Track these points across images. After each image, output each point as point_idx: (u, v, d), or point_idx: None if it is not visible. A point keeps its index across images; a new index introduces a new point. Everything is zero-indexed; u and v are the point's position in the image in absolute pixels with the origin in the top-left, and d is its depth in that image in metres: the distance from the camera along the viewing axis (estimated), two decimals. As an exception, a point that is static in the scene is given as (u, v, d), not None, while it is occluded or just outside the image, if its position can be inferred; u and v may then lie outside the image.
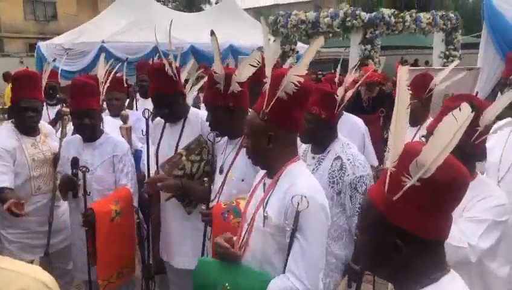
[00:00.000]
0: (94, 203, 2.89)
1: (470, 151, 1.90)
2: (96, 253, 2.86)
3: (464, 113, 1.06)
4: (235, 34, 12.72)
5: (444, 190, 1.06)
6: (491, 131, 2.01)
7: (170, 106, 2.83)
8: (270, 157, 1.86)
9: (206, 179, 2.65)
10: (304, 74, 1.81)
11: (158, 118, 3.03)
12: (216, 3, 25.20)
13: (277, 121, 1.82)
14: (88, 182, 2.94)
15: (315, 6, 26.22)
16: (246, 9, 18.34)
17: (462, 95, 2.09)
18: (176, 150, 2.87)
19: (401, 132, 1.15)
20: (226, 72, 2.44)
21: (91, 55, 10.50)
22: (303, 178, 1.80)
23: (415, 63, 15.86)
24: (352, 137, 3.32)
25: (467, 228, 1.83)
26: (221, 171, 2.50)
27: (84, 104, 2.93)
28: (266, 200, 1.83)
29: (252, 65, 2.23)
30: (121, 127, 3.70)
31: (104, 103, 4.06)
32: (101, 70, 3.62)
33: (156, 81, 2.87)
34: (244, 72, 2.35)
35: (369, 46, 9.76)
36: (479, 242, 1.81)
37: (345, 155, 2.60)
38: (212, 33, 2.42)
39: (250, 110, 2.27)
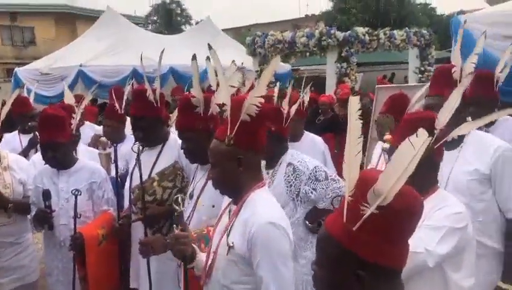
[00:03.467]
0: (82, 228, 2.90)
1: (435, 157, 2.00)
2: (86, 278, 2.87)
3: (420, 140, 1.08)
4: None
5: (402, 216, 1.07)
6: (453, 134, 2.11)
7: (146, 130, 2.87)
8: (239, 182, 1.87)
9: (177, 206, 2.67)
10: (263, 95, 1.84)
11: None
12: (196, 24, 25.41)
13: (244, 144, 1.84)
14: (64, 209, 2.95)
15: (293, 25, 26.64)
16: (225, 30, 18.49)
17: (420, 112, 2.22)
18: (150, 174, 2.90)
19: (355, 161, 1.16)
20: (205, 95, 2.49)
21: (69, 79, 10.46)
22: (264, 206, 1.81)
23: (392, 77, 16.16)
24: (313, 155, 3.43)
25: (424, 235, 1.88)
26: (191, 197, 2.52)
27: (47, 138, 2.92)
28: (229, 228, 1.85)
29: (232, 86, 2.27)
30: (99, 154, 3.70)
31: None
32: (67, 98, 3.61)
33: (136, 104, 2.94)
34: (223, 93, 2.38)
35: (345, 64, 9.94)
36: (436, 248, 1.86)
37: (295, 160, 2.80)
38: (194, 57, 2.45)
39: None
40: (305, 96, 3.97)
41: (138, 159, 2.74)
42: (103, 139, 3.94)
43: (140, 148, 2.94)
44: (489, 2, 14.65)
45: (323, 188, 2.68)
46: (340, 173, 3.75)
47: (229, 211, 1.93)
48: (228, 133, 1.85)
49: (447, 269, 1.93)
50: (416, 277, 1.91)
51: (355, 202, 1.10)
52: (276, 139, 2.82)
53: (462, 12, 11.56)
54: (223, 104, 1.91)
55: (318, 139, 4.10)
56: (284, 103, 3.04)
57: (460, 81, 2.47)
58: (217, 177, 1.92)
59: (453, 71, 2.61)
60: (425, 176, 2.03)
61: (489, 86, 3.19)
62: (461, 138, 2.50)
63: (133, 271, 3.07)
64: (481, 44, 2.95)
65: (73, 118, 3.22)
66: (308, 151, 3.42)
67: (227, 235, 1.84)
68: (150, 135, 2.91)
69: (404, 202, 1.07)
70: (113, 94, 3.97)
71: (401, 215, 1.07)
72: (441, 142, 1.96)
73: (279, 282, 1.72)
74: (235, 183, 1.88)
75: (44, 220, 2.94)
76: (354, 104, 1.24)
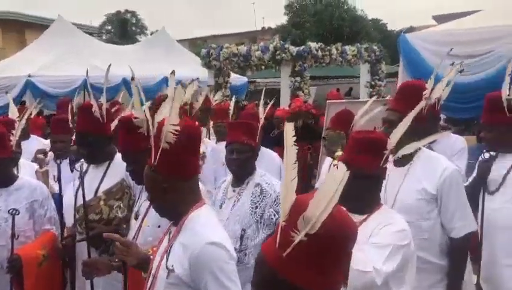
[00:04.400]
0: (20, 249, 2.76)
1: (381, 175, 2.08)
2: None
3: (340, 173, 1.08)
4: (169, 66, 12.70)
5: (330, 244, 1.06)
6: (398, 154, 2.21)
7: (90, 147, 2.81)
8: (170, 208, 1.86)
9: (124, 225, 2.61)
10: (178, 122, 1.80)
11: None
12: (151, 34, 25.18)
13: (167, 172, 1.81)
14: (2, 229, 2.82)
15: (250, 38, 26.88)
16: (180, 41, 18.41)
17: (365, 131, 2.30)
18: (96, 193, 2.82)
19: (291, 185, 1.15)
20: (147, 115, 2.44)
21: (16, 90, 10.08)
22: (204, 226, 1.80)
23: (350, 91, 16.53)
24: (269, 171, 3.45)
25: (371, 254, 1.93)
26: (136, 217, 2.47)
27: None
28: (169, 250, 1.82)
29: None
30: (36, 171, 3.56)
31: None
32: (12, 112, 3.48)
33: (81, 120, 2.88)
34: (164, 112, 2.32)
35: (298, 78, 10.10)
36: (383, 266, 1.91)
37: (263, 181, 2.81)
38: (172, 72, 2.36)
39: None
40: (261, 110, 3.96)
41: (81, 178, 2.67)
42: (40, 156, 3.80)
43: (85, 166, 2.86)
44: (436, 20, 15.38)
45: None
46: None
47: (169, 233, 1.89)
48: (152, 162, 1.82)
49: (391, 286, 1.97)
50: None
51: (287, 227, 1.09)
52: (255, 153, 2.84)
53: (411, 29, 12.04)
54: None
55: (274, 154, 4.14)
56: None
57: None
58: (151, 202, 1.92)
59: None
60: (371, 194, 2.09)
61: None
62: (411, 156, 2.56)
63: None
64: (453, 74, 3.08)
65: (13, 134, 3.09)
66: (265, 167, 3.45)
67: (167, 258, 1.81)
68: (95, 152, 2.84)
69: (333, 230, 1.05)
70: (60, 107, 3.85)
71: (329, 243, 1.06)
72: (387, 161, 2.02)
73: None
74: (167, 208, 1.87)
75: None
76: (289, 130, 1.23)
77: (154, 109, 2.44)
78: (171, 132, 1.78)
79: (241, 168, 2.81)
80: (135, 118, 2.40)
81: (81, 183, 2.66)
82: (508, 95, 2.86)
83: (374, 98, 4.55)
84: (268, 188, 2.74)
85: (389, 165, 2.61)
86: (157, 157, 1.80)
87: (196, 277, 1.73)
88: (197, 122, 2.05)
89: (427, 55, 6.02)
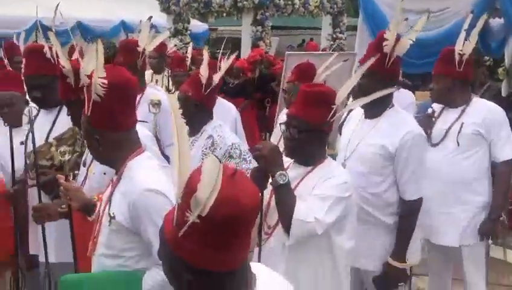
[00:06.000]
0: None
1: (327, 130, 2.12)
2: None
3: (213, 165, 1.01)
4: (127, 11, 12.21)
5: (222, 227, 1.03)
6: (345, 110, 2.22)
7: (45, 89, 2.74)
8: (106, 158, 1.89)
9: (77, 172, 2.59)
10: (105, 74, 1.78)
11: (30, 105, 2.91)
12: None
13: (99, 125, 1.82)
14: None
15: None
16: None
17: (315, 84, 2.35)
18: (47, 139, 2.78)
19: (186, 160, 1.10)
20: (73, 65, 2.38)
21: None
22: (141, 173, 1.82)
23: (301, 44, 16.42)
24: (224, 122, 3.47)
25: (313, 205, 2.02)
26: (84, 165, 2.47)
27: None
28: (110, 198, 1.85)
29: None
30: None
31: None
32: None
33: (31, 63, 2.79)
34: (89, 66, 2.09)
35: (260, 28, 9.96)
36: (324, 216, 2.00)
37: (215, 133, 2.84)
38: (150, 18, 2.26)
39: None
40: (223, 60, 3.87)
41: (31, 122, 2.60)
42: None
43: (34, 111, 2.79)
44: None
45: (236, 165, 2.73)
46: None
47: (111, 181, 1.92)
48: (86, 113, 1.82)
49: (331, 233, 2.08)
50: (304, 242, 2.05)
51: (182, 207, 1.05)
52: (194, 106, 2.80)
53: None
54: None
55: (231, 105, 4.12)
56: (203, 68, 2.94)
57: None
58: (89, 151, 1.93)
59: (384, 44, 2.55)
60: (316, 147, 2.16)
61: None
62: (381, 110, 2.58)
63: (31, 238, 2.95)
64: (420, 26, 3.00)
65: None
66: (220, 118, 3.46)
67: (109, 206, 1.84)
68: (49, 96, 2.76)
69: (224, 213, 1.02)
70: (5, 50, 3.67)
71: (221, 225, 1.03)
72: (336, 116, 2.08)
73: None
74: (103, 158, 1.90)
75: None
76: (174, 103, 1.20)
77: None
78: (99, 84, 1.76)
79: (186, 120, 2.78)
80: (63, 66, 2.36)
81: (31, 129, 2.61)
82: (461, 50, 2.94)
83: (336, 53, 4.55)
84: (220, 141, 2.78)
85: (361, 116, 2.69)
86: (89, 109, 1.80)
87: (136, 223, 1.77)
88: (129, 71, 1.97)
89: (386, 9, 6.04)
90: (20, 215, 2.93)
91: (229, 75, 6.98)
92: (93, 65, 1.81)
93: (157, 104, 3.06)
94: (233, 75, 6.99)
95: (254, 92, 6.07)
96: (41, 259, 2.75)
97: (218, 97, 3.91)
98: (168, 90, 5.00)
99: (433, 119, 3.06)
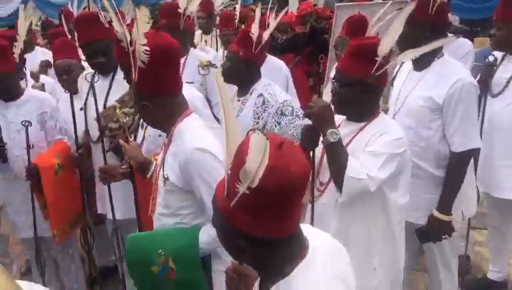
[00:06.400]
0: (36, 159, 2.90)
1: (373, 82, 2.02)
2: (46, 205, 2.93)
3: (260, 139, 1.04)
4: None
5: (272, 197, 1.05)
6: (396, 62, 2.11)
7: (107, 54, 2.80)
8: (156, 122, 1.96)
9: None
10: (146, 41, 1.79)
11: (85, 72, 3.00)
12: None
13: (146, 91, 1.86)
14: (16, 141, 2.93)
15: None
16: None
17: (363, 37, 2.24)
18: (106, 103, 2.88)
19: (234, 130, 1.13)
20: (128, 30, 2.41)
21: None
22: (190, 133, 1.88)
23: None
24: (275, 80, 3.45)
25: (366, 161, 1.99)
26: (142, 126, 2.56)
27: None
28: (163, 160, 1.93)
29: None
30: (33, 86, 3.55)
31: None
32: (21, 26, 3.36)
33: (87, 29, 2.84)
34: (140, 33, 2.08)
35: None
36: (378, 173, 1.97)
37: (266, 92, 2.80)
38: None
39: None
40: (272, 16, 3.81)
41: (92, 88, 2.69)
42: (35, 69, 3.80)
43: (96, 77, 2.88)
44: None
45: (286, 124, 2.73)
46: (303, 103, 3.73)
47: (164, 144, 2.00)
48: (133, 79, 1.86)
49: (385, 190, 2.05)
50: (357, 199, 2.04)
51: (231, 178, 1.08)
52: (245, 65, 2.78)
53: None
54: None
55: (281, 63, 4.05)
56: (254, 26, 2.86)
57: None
58: (140, 116, 1.98)
59: None
60: (366, 102, 2.10)
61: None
62: (429, 61, 2.49)
63: (98, 198, 3.13)
64: None
65: (15, 46, 3.08)
66: (271, 76, 3.44)
67: (163, 168, 1.92)
68: (111, 60, 2.83)
69: (274, 183, 1.03)
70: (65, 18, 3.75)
71: (272, 195, 1.04)
72: (382, 69, 2.00)
73: None
74: (153, 122, 1.97)
75: None
76: (219, 77, 1.21)
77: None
78: (142, 52, 1.78)
79: (230, 78, 2.77)
80: (117, 31, 2.39)
81: (93, 93, 2.73)
82: None
83: (389, 1, 4.31)
84: (271, 99, 2.76)
85: (410, 68, 2.60)
86: (136, 75, 1.84)
87: (188, 181, 1.85)
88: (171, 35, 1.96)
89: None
90: (85, 176, 3.11)
91: (277, 31, 6.87)
92: (142, 32, 1.83)
93: (206, 66, 3.08)
94: (281, 30, 6.87)
95: (304, 47, 5.92)
96: (109, 216, 2.93)
97: (268, 55, 3.87)
98: (216, 50, 4.99)
99: (494, 68, 2.90)
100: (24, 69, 3.48)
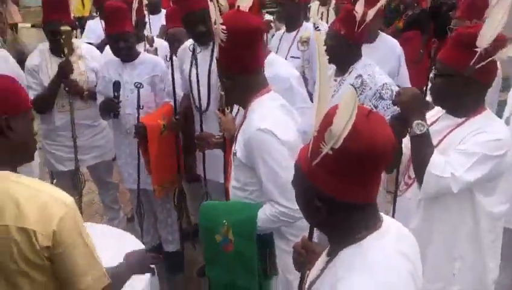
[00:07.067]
0: (145, 118, 3.14)
1: (471, 76, 1.83)
2: (150, 162, 3.19)
3: (351, 96, 1.05)
4: None
5: (356, 160, 1.08)
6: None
7: (205, 23, 2.86)
8: (236, 99, 2.04)
9: None
10: (222, 20, 1.82)
11: (186, 43, 3.10)
12: None
13: (228, 70, 1.92)
14: (129, 100, 3.18)
15: None
16: None
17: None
18: (209, 74, 2.98)
19: (326, 95, 1.16)
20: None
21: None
22: (259, 113, 1.91)
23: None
24: (387, 59, 3.27)
25: (455, 160, 1.84)
26: None
27: (117, 28, 3.07)
28: (236, 136, 2.00)
29: None
30: (147, 50, 3.77)
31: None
32: None
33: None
34: (217, 13, 2.05)
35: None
36: (464, 174, 1.81)
37: (365, 73, 2.70)
38: None
39: None
40: None
41: (195, 57, 2.79)
42: (150, 35, 4.00)
43: (197, 48, 2.99)
44: None
45: (384, 108, 2.61)
46: (417, 82, 3.49)
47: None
48: (216, 56, 1.92)
49: (477, 194, 1.89)
50: (442, 199, 1.91)
51: (317, 138, 1.12)
52: (346, 45, 2.70)
53: None
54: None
55: (394, 42, 3.79)
56: (359, 4, 2.73)
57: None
58: (223, 92, 2.06)
59: None
60: (466, 96, 1.92)
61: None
62: None
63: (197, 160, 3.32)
64: None
65: (133, 9, 3.31)
66: (382, 55, 3.29)
67: (235, 144, 1.99)
68: (211, 29, 2.91)
69: (356, 147, 1.06)
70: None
71: (352, 158, 1.08)
72: (485, 61, 1.79)
73: (274, 182, 1.87)
74: (234, 99, 2.05)
75: (111, 108, 3.20)
76: (319, 40, 1.22)
77: None
78: (221, 31, 1.82)
79: (329, 57, 2.65)
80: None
81: (196, 64, 2.82)
82: None
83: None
84: (369, 81, 2.65)
85: None
86: (218, 53, 1.91)
87: (251, 159, 1.90)
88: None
89: None
90: (186, 140, 3.29)
91: (404, 5, 6.47)
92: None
93: (305, 42, 3.03)
94: (408, 5, 6.46)
95: (428, 24, 5.53)
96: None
97: (381, 33, 3.69)
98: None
99: None
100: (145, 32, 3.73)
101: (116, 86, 3.13)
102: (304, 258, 1.42)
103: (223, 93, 2.75)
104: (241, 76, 1.92)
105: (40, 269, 1.42)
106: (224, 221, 1.95)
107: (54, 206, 1.41)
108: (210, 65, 2.97)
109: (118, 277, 1.62)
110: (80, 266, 1.45)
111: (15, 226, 1.36)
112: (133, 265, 1.75)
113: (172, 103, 3.25)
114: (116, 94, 3.15)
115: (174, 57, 3.16)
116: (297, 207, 1.80)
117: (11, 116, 1.45)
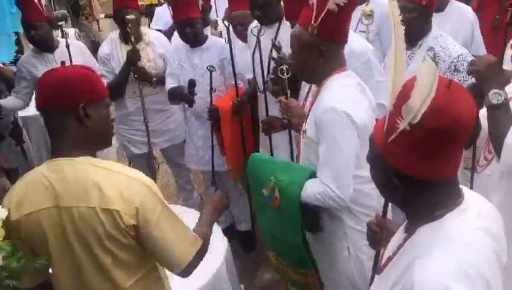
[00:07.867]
0: (217, 100, 3.22)
1: None
2: (223, 143, 3.30)
3: (430, 65, 1.00)
4: None
5: (437, 135, 1.02)
6: None
7: (264, 7, 2.88)
8: (319, 71, 1.91)
9: None
10: None
11: (252, 25, 3.12)
12: None
13: (328, 35, 1.82)
14: (200, 84, 3.23)
15: None
16: None
17: None
18: (271, 53, 2.95)
19: (401, 69, 1.11)
20: None
21: None
22: (333, 91, 1.85)
23: None
24: (459, 27, 3.10)
25: None
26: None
27: (184, 15, 3.13)
28: (308, 114, 1.97)
29: None
30: (211, 33, 3.81)
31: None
32: None
33: None
34: None
35: None
36: None
37: (437, 45, 2.56)
38: None
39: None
40: None
41: (258, 40, 2.78)
42: (214, 19, 4.01)
43: (260, 28, 2.98)
44: None
45: (460, 81, 2.48)
46: (493, 51, 3.26)
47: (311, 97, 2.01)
48: (312, 22, 1.80)
49: None
50: None
51: (393, 114, 1.07)
52: (424, 13, 2.56)
53: None
54: None
55: (467, 9, 3.56)
56: None
57: None
58: (297, 64, 1.97)
59: None
60: None
61: None
62: None
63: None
64: None
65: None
66: (453, 24, 3.13)
67: (305, 122, 1.97)
68: (269, 12, 2.91)
69: (436, 123, 1.00)
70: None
71: (431, 135, 1.02)
72: None
73: (331, 166, 1.84)
74: (314, 72, 1.93)
75: (187, 101, 3.29)
76: (394, 7, 1.14)
77: None
78: None
79: (411, 29, 2.55)
80: None
81: (258, 45, 2.83)
82: None
83: None
84: (442, 53, 2.51)
85: None
86: (320, 19, 1.79)
87: (319, 137, 1.86)
88: None
89: None
90: (255, 121, 3.32)
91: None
92: None
93: (369, 15, 2.92)
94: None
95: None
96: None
97: (454, 1, 3.48)
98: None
99: None
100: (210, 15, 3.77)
101: (191, 83, 3.18)
102: (379, 235, 1.39)
103: (273, 76, 2.76)
104: (338, 46, 1.88)
105: (124, 247, 1.50)
106: (272, 177, 1.96)
107: (133, 186, 1.47)
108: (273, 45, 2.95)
109: (205, 234, 1.65)
110: (168, 239, 1.51)
111: (100, 207, 1.44)
112: (210, 217, 1.77)
113: (242, 86, 3.30)
114: (190, 90, 3.19)
115: (236, 40, 3.17)
116: (346, 197, 1.83)
117: (88, 105, 1.48)
